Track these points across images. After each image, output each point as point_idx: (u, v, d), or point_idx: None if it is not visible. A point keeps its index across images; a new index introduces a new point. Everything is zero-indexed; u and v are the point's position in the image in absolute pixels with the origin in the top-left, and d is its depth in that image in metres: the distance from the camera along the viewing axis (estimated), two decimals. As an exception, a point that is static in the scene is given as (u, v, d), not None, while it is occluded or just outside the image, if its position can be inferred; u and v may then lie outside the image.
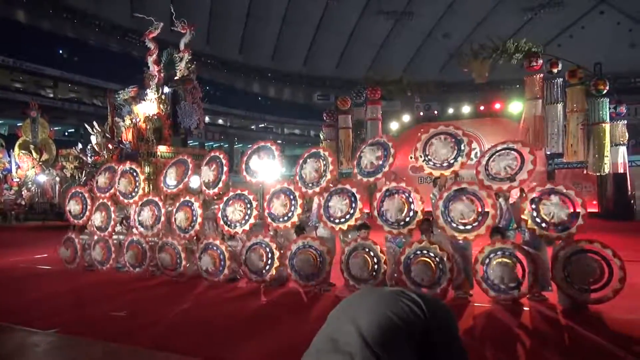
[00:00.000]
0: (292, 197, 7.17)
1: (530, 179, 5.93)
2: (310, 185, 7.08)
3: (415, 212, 6.34)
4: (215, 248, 7.46)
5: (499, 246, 5.72)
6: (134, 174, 8.86)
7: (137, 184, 8.75)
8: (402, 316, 0.68)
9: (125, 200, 8.77)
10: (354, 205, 6.72)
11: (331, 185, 7.03)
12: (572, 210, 5.60)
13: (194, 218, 7.83)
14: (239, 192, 7.68)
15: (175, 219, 7.95)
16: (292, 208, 7.13)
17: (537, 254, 5.81)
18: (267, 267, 7.02)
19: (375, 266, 6.37)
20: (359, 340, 0.65)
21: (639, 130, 22.33)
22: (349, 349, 0.65)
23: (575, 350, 4.34)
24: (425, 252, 6.04)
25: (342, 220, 6.76)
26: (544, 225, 5.67)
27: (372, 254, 6.41)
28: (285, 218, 7.17)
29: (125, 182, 8.78)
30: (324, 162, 7.07)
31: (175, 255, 7.78)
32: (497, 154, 6.18)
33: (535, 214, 5.74)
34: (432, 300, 0.75)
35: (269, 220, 7.30)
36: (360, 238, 6.60)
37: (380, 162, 6.72)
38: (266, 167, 7.60)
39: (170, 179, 8.50)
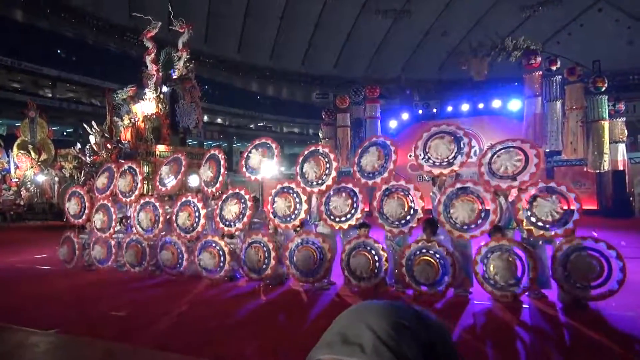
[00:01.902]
0: (296, 197, 7.12)
1: (537, 175, 5.90)
2: (312, 183, 7.05)
3: (416, 211, 6.33)
4: (214, 245, 7.46)
5: (499, 243, 5.72)
6: (133, 172, 8.89)
7: (136, 182, 8.77)
8: (411, 321, 0.69)
9: (124, 199, 8.79)
10: (355, 204, 6.70)
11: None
12: (566, 206, 5.60)
13: (197, 217, 7.83)
14: (231, 191, 7.69)
15: (176, 218, 7.94)
16: (297, 208, 7.08)
17: (536, 252, 5.82)
18: (264, 266, 7.01)
19: (377, 264, 6.36)
20: (370, 334, 0.66)
21: (637, 127, 22.34)
22: (359, 340, 0.65)
23: (574, 347, 4.35)
24: (426, 250, 6.05)
25: (343, 219, 6.75)
26: (539, 224, 5.67)
27: (373, 252, 6.41)
28: (290, 218, 7.10)
29: (124, 180, 8.81)
30: (326, 160, 7.05)
31: (177, 254, 7.78)
32: (500, 151, 6.16)
33: (529, 213, 5.74)
34: (430, 315, 0.76)
35: (273, 218, 7.27)
36: (360, 237, 6.59)
37: (382, 164, 6.70)
38: (265, 164, 7.60)
39: (165, 177, 8.52)
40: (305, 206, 7.05)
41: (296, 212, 7.08)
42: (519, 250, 5.64)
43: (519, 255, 5.62)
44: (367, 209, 6.89)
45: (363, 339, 0.66)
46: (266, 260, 6.99)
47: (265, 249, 7.03)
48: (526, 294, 5.82)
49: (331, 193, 6.88)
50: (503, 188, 6.02)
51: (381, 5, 40.03)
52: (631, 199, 17.88)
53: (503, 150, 6.13)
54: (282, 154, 7.98)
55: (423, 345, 0.68)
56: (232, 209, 7.48)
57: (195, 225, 7.81)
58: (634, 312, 5.21)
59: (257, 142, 7.91)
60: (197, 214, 7.83)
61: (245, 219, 7.41)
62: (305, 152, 7.33)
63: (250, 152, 7.79)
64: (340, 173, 20.19)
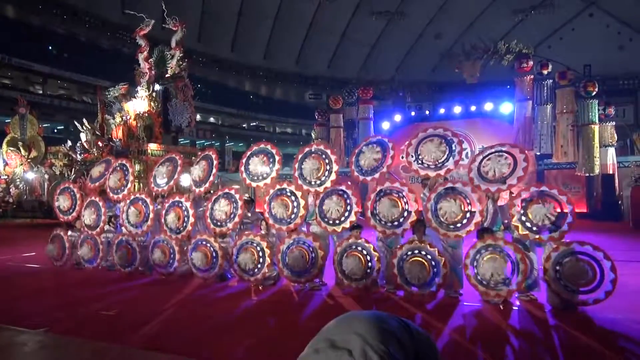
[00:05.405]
0: (294, 199, 7.05)
1: (526, 178, 5.96)
2: (312, 182, 6.99)
3: (409, 212, 6.35)
4: (206, 244, 7.43)
5: (490, 243, 5.75)
6: (125, 170, 8.86)
7: (126, 179, 8.74)
8: (397, 330, 0.70)
9: (112, 195, 8.77)
10: (349, 207, 6.70)
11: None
12: (559, 210, 5.66)
13: (185, 218, 7.78)
14: (221, 191, 7.67)
15: (165, 220, 7.89)
16: (295, 211, 7.01)
17: (526, 254, 5.86)
18: (259, 267, 6.98)
19: (369, 265, 6.37)
20: (358, 340, 0.66)
21: (627, 132, 22.57)
22: (347, 346, 0.66)
23: (563, 349, 4.39)
24: (417, 251, 6.07)
25: (337, 222, 6.73)
26: (534, 228, 5.71)
27: (365, 253, 6.42)
28: (288, 221, 7.03)
29: (115, 177, 8.79)
30: (326, 160, 7.04)
31: (169, 252, 7.73)
32: (489, 156, 6.22)
33: (524, 217, 5.78)
34: (415, 325, 0.78)
35: (271, 221, 7.23)
36: (352, 237, 6.60)
37: (379, 161, 6.73)
38: (265, 170, 7.49)
39: (160, 178, 8.46)
40: (302, 212, 6.98)
41: (294, 215, 7.02)
42: (509, 250, 5.68)
43: (510, 256, 5.66)
44: (360, 210, 6.90)
45: (351, 344, 0.66)
46: (260, 261, 6.96)
47: (259, 249, 6.99)
48: (515, 295, 5.87)
49: (325, 195, 6.87)
50: (492, 191, 6.08)
51: (375, 7, 40.07)
52: (620, 202, 18.04)
53: (492, 155, 6.19)
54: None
55: (410, 352, 0.69)
56: (222, 210, 7.44)
57: (184, 226, 7.77)
58: (621, 314, 5.26)
59: (256, 147, 7.68)
60: (186, 214, 7.79)
61: (236, 219, 7.37)
62: (305, 151, 7.25)
63: (250, 158, 7.57)
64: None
